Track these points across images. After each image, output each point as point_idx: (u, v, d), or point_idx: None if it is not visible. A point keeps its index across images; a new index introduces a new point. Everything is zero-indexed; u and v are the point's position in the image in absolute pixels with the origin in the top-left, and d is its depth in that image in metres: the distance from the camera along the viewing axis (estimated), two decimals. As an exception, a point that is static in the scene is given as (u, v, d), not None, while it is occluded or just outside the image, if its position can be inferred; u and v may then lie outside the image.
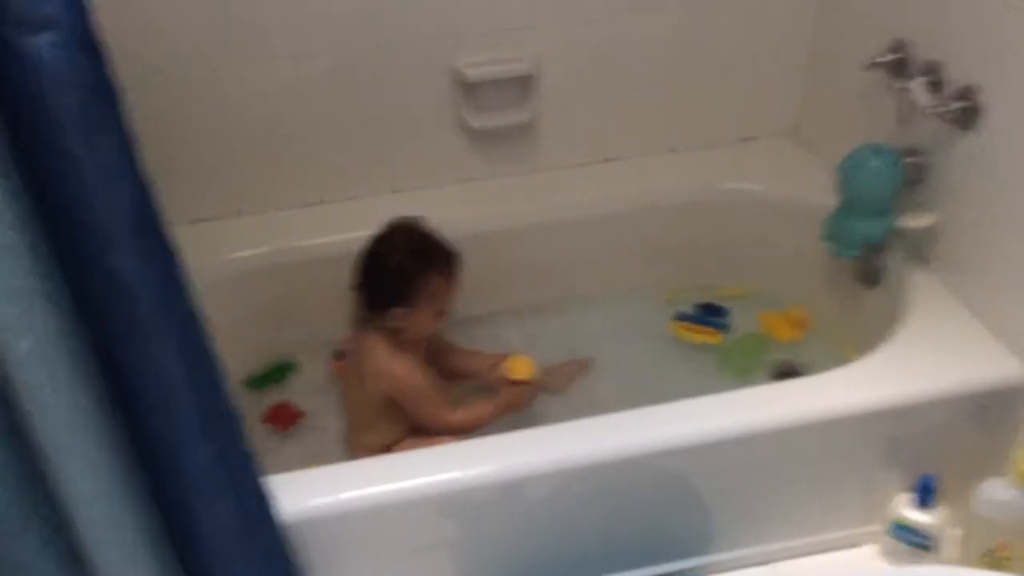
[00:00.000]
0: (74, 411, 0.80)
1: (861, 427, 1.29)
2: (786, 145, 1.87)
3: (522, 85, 1.70)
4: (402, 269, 1.44)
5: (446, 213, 1.57)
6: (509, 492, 1.23)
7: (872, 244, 1.51)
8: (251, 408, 1.67)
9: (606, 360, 1.75)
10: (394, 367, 1.47)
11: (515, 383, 1.56)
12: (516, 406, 1.56)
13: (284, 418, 1.66)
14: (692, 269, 1.85)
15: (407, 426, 1.53)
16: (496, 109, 1.71)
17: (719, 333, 1.78)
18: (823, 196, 1.58)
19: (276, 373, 1.75)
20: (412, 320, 1.46)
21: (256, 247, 1.67)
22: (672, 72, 1.77)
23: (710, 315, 1.82)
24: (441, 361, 1.63)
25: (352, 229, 1.56)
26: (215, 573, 0.99)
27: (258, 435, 1.63)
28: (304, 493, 1.18)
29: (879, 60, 1.48)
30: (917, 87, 1.38)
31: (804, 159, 1.83)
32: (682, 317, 1.81)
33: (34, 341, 0.75)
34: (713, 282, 1.86)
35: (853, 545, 1.40)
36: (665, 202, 1.79)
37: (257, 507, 1.02)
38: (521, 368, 1.57)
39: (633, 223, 1.79)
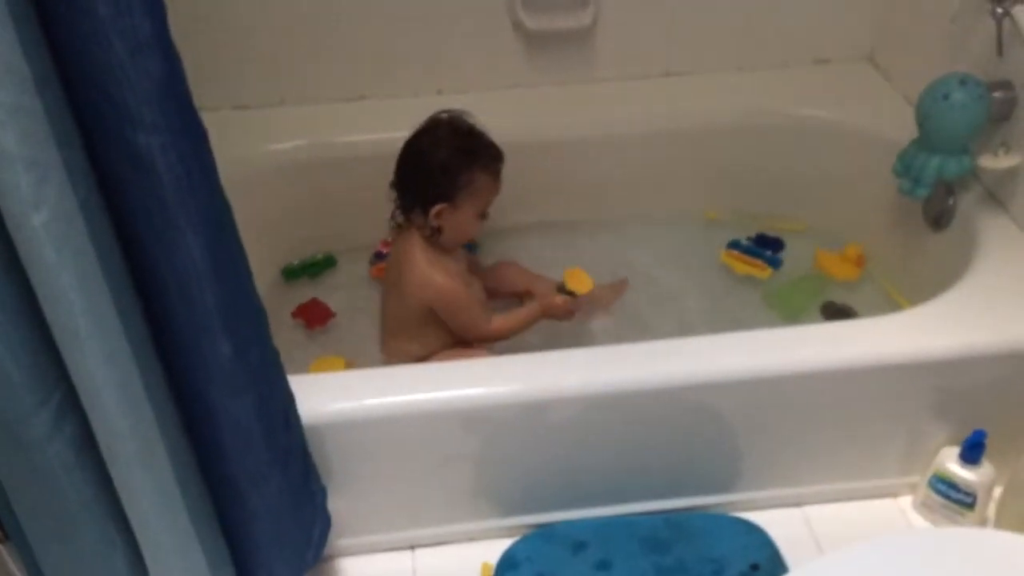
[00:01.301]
0: (90, 293, 0.76)
1: (913, 376, 1.23)
2: (861, 70, 1.77)
3: None
4: (447, 163, 1.39)
5: (491, 118, 1.49)
6: (534, 412, 1.20)
7: (947, 183, 1.42)
8: (284, 301, 1.66)
9: (648, 283, 1.70)
10: (433, 275, 1.43)
11: (567, 293, 1.51)
12: (556, 315, 1.51)
13: (315, 316, 1.65)
14: (749, 196, 1.77)
15: (444, 338, 1.49)
16: (554, 10, 1.63)
17: (768, 267, 1.70)
18: (897, 128, 1.50)
19: (313, 267, 1.73)
20: (454, 219, 1.41)
21: (295, 140, 1.63)
22: None
23: (764, 247, 1.74)
24: (479, 271, 1.60)
25: (392, 128, 1.50)
26: (231, 470, 0.97)
27: (287, 329, 1.62)
28: (328, 396, 1.17)
29: (977, -20, 1.36)
30: (1019, 12, 1.26)
31: (879, 86, 1.73)
32: (733, 245, 1.73)
33: (49, 215, 0.70)
34: (771, 211, 1.77)
35: (890, 495, 1.35)
36: (726, 123, 1.71)
37: (278, 407, 0.99)
38: (580, 280, 1.52)
39: (691, 143, 1.71)
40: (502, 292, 1.62)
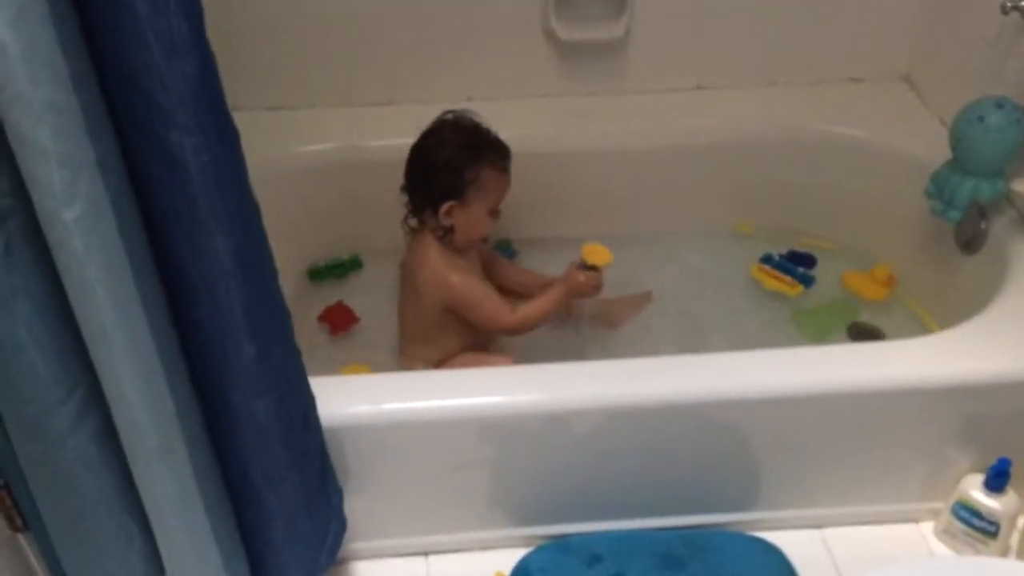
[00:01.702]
0: (117, 289, 0.77)
1: (939, 401, 1.21)
2: (896, 89, 1.75)
3: None
4: (452, 161, 1.39)
5: (520, 127, 1.50)
6: (554, 423, 1.19)
7: (980, 206, 1.40)
8: (309, 302, 1.67)
9: (674, 297, 1.68)
10: (448, 274, 1.43)
11: (588, 268, 1.48)
12: (582, 291, 1.47)
13: (340, 320, 1.65)
14: (779, 212, 1.75)
15: (461, 342, 1.49)
16: (587, 21, 1.62)
17: (799, 285, 1.67)
18: (931, 149, 1.48)
19: (339, 268, 1.74)
20: (464, 217, 1.42)
21: (327, 142, 1.64)
22: None
23: (797, 263, 1.71)
24: (494, 276, 1.59)
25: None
26: (250, 470, 0.98)
27: (311, 332, 1.63)
28: (349, 399, 1.17)
29: (1018, 3, 1.33)
30: (1060, 37, 1.24)
31: (914, 107, 1.71)
32: (766, 260, 1.71)
33: (81, 211, 0.71)
34: (803, 228, 1.75)
35: (911, 520, 1.33)
36: (758, 139, 1.69)
37: (298, 408, 1.00)
38: (599, 254, 1.48)
39: (721, 158, 1.69)
40: (517, 294, 1.62)
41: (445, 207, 1.41)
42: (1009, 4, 1.35)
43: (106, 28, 0.71)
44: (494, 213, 1.44)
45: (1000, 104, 1.32)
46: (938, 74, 1.68)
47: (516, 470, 1.24)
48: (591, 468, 1.25)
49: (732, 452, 1.25)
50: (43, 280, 0.75)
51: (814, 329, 1.61)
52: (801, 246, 1.75)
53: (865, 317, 1.63)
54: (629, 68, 1.70)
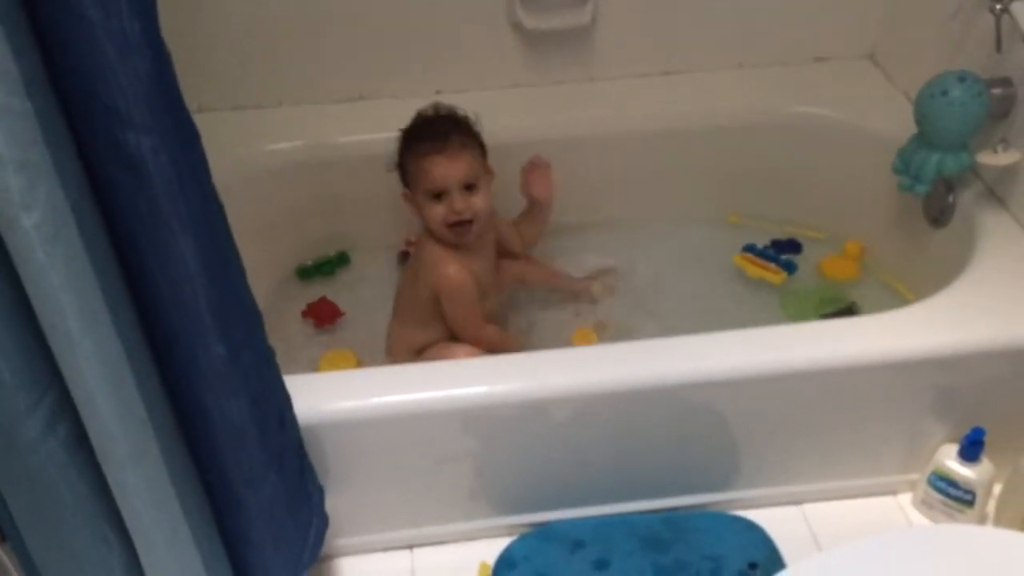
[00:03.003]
0: (82, 294, 0.76)
1: (912, 373, 1.22)
2: (861, 67, 1.76)
3: None
4: (398, 154, 1.44)
5: (491, 118, 1.49)
6: (532, 411, 1.20)
7: (946, 180, 1.42)
8: (297, 300, 1.68)
9: (654, 286, 1.69)
10: (447, 263, 1.44)
11: None
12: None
13: (324, 314, 1.66)
14: (753, 196, 1.76)
15: (446, 331, 1.50)
16: (552, 9, 1.62)
17: (782, 272, 1.67)
18: (897, 125, 1.49)
19: (326, 265, 1.74)
20: (417, 206, 1.44)
21: (294, 140, 1.63)
22: None
23: (783, 250, 1.72)
24: (516, 267, 1.61)
25: (391, 128, 1.50)
26: (228, 472, 0.97)
27: (296, 327, 1.64)
28: (325, 396, 1.17)
29: (978, -24, 1.35)
30: (1018, 9, 1.25)
31: (880, 84, 1.72)
32: (748, 249, 1.71)
33: (41, 217, 0.70)
34: (780, 213, 1.76)
35: (889, 492, 1.35)
36: (727, 122, 1.70)
37: (273, 407, 0.99)
38: (585, 337, 1.57)
39: (692, 142, 1.70)
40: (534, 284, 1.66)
41: (401, 196, 1.46)
42: (968, -22, 1.36)
43: (58, 31, 0.70)
44: (439, 197, 1.40)
45: (962, 78, 1.32)
46: (902, 51, 1.69)
47: (496, 459, 1.24)
48: (571, 454, 1.25)
49: (710, 433, 1.26)
50: (6, 288, 0.74)
51: (798, 312, 1.61)
52: (785, 235, 1.75)
53: (851, 298, 1.63)
54: (596, 55, 1.70)
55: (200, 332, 0.87)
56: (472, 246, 1.46)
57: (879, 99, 1.68)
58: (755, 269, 1.68)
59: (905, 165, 1.43)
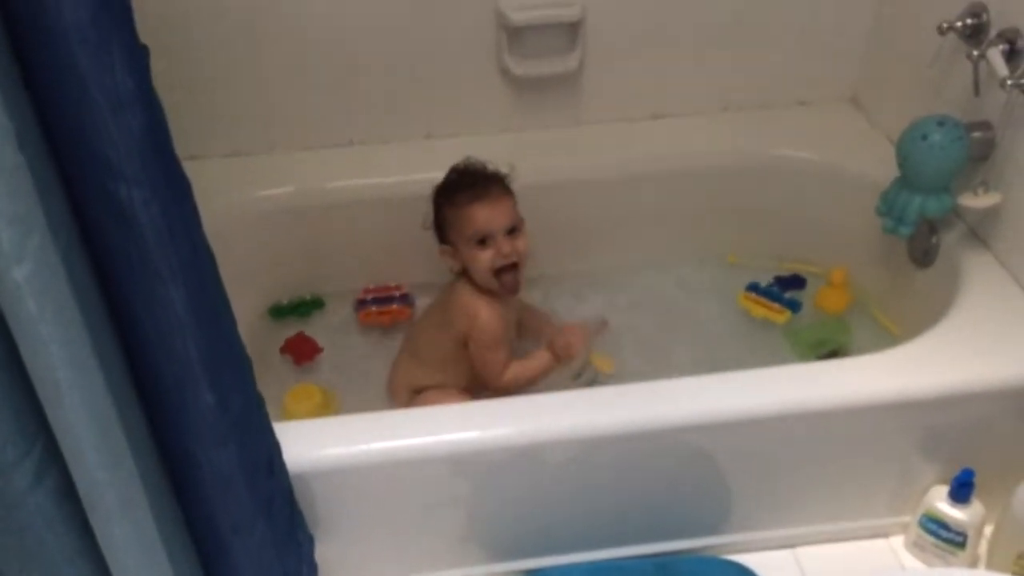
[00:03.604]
0: (73, 345, 0.76)
1: (900, 414, 1.22)
2: (844, 111, 1.78)
3: (569, 32, 1.63)
4: (433, 208, 1.46)
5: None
6: (525, 456, 1.19)
7: (930, 222, 1.43)
8: (272, 339, 1.68)
9: (656, 333, 1.68)
10: (480, 307, 1.46)
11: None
12: (568, 354, 1.51)
13: (302, 350, 1.66)
14: (746, 235, 1.77)
15: (459, 379, 1.52)
16: (540, 56, 1.64)
17: (786, 310, 1.67)
18: (879, 168, 1.51)
19: (301, 307, 1.74)
20: (459, 258, 1.45)
21: (286, 185, 1.64)
22: (727, 27, 1.68)
23: (787, 287, 1.72)
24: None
25: (380, 174, 1.53)
26: (217, 520, 0.97)
27: (275, 365, 1.64)
28: (315, 443, 1.16)
29: (954, 24, 1.38)
30: (994, 55, 1.28)
31: (862, 127, 1.74)
32: (752, 288, 1.72)
33: (32, 269, 0.71)
34: (776, 250, 1.77)
35: (881, 535, 1.34)
36: (713, 165, 1.72)
37: (262, 455, 0.99)
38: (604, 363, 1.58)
39: (680, 184, 1.72)
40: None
41: (440, 250, 1.47)
42: (945, 25, 1.39)
43: (51, 86, 0.71)
44: (485, 242, 1.42)
45: (941, 122, 1.35)
46: (883, 94, 1.71)
47: (488, 505, 1.24)
48: (563, 500, 1.25)
49: (701, 476, 1.26)
50: (-5, 339, 0.75)
51: (803, 352, 1.62)
52: (786, 271, 1.76)
53: (851, 331, 1.63)
54: (585, 100, 1.72)
55: (190, 381, 0.87)
56: (508, 301, 1.49)
57: (861, 142, 1.69)
58: (759, 309, 1.68)
59: (888, 207, 1.44)
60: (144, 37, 0.71)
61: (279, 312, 1.73)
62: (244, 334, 1.57)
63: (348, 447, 1.16)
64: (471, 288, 1.47)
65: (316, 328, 1.71)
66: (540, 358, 1.51)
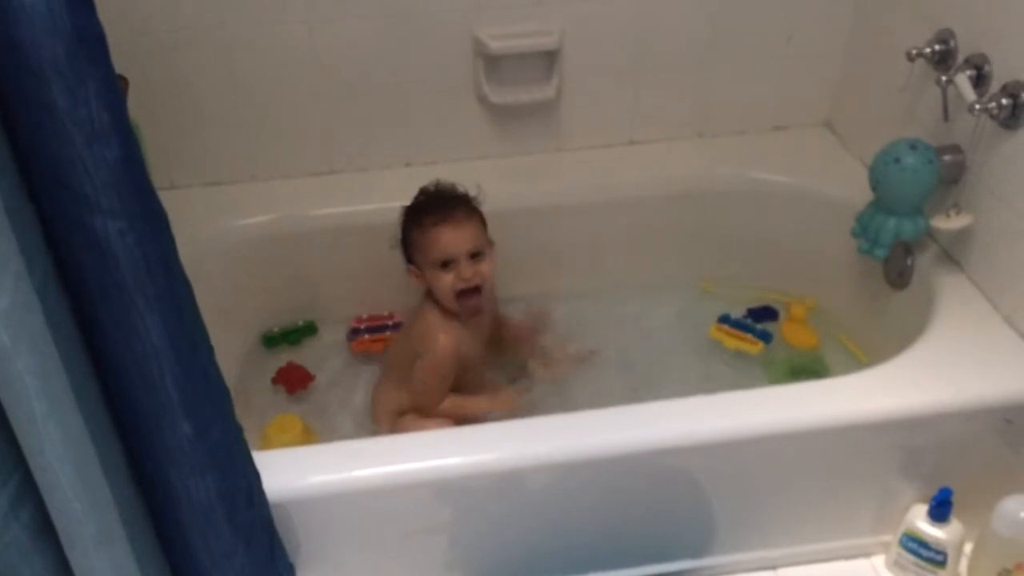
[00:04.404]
0: (48, 377, 0.76)
1: (878, 435, 1.23)
2: (818, 136, 1.81)
3: (546, 60, 1.65)
4: (400, 230, 1.48)
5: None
6: (507, 482, 1.19)
7: (903, 244, 1.45)
8: (264, 367, 1.68)
9: (631, 360, 1.69)
10: (437, 332, 1.47)
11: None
12: (507, 407, 1.53)
13: (294, 379, 1.66)
14: (721, 261, 1.79)
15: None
16: (518, 84, 1.66)
17: (759, 342, 1.68)
18: (854, 191, 1.53)
19: (293, 334, 1.74)
20: (425, 278, 1.46)
21: (267, 214, 1.64)
22: (703, 54, 1.70)
23: (759, 318, 1.73)
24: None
25: (361, 201, 1.53)
26: (195, 551, 0.96)
27: (268, 394, 1.64)
28: (295, 471, 1.15)
29: (923, 50, 1.41)
30: (962, 81, 1.31)
31: (836, 151, 1.76)
32: (724, 320, 1.73)
33: (7, 303, 0.71)
34: (749, 278, 1.78)
35: (862, 555, 1.35)
36: (690, 189, 1.73)
37: (241, 484, 0.99)
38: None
39: (656, 210, 1.73)
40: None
41: (406, 270, 1.48)
42: (915, 51, 1.42)
43: (26, 118, 0.72)
44: (447, 265, 1.43)
45: (913, 145, 1.37)
46: (856, 119, 1.74)
47: (471, 530, 1.23)
48: (546, 524, 1.24)
49: (682, 499, 1.26)
50: (-32, 373, 0.74)
51: (779, 378, 1.62)
52: (758, 301, 1.77)
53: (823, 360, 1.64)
54: (562, 128, 1.74)
55: (166, 410, 0.87)
56: (473, 322, 1.50)
57: (836, 165, 1.72)
58: (732, 340, 1.69)
59: (863, 229, 1.46)
60: (123, 68, 0.72)
61: (271, 340, 1.73)
62: (236, 364, 1.64)
63: (328, 475, 1.15)
64: (437, 311, 1.48)
65: (308, 356, 1.71)
66: (479, 404, 1.52)
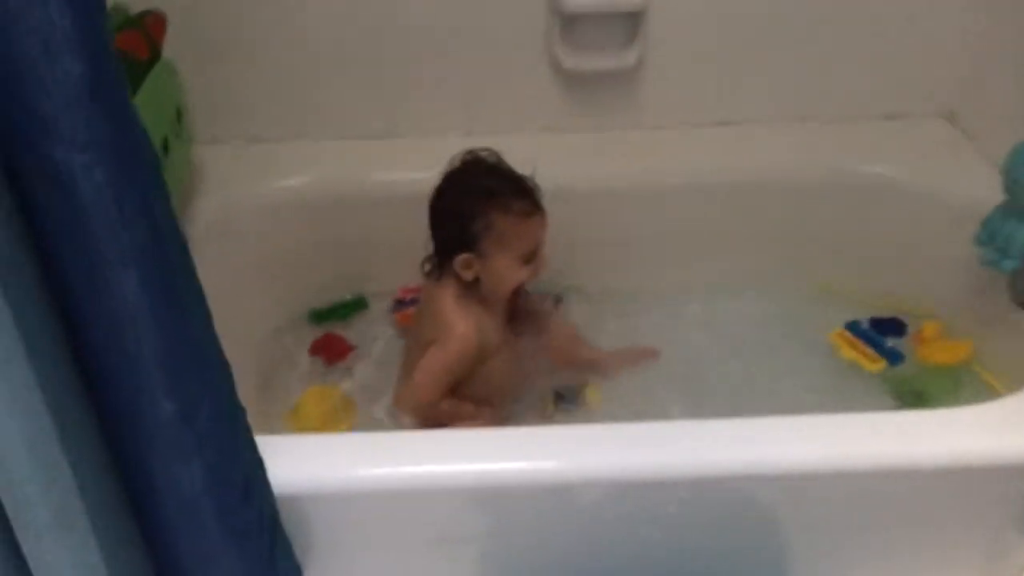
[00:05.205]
0: (11, 340, 0.65)
1: (995, 478, 1.06)
2: (937, 128, 1.64)
3: (629, 23, 1.52)
4: (459, 210, 1.30)
5: (522, 164, 1.37)
6: (555, 494, 1.07)
7: (1038, 256, 1.27)
8: (305, 338, 1.60)
9: (725, 366, 1.53)
10: (457, 322, 1.33)
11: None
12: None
13: (332, 350, 1.58)
14: (817, 263, 1.62)
15: (457, 392, 1.38)
16: (595, 49, 1.54)
17: (882, 359, 1.49)
18: (979, 192, 1.38)
19: (342, 309, 1.65)
20: (486, 269, 1.31)
21: (312, 176, 1.56)
22: (811, 27, 1.55)
23: (887, 332, 1.55)
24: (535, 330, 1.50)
25: (416, 169, 1.42)
26: (177, 548, 0.85)
27: (307, 367, 1.56)
28: (312, 462, 1.04)
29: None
30: None
31: (960, 146, 1.60)
32: (850, 326, 1.55)
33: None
34: (858, 283, 1.61)
35: (963, 616, 1.16)
36: (787, 179, 1.58)
37: (236, 475, 0.87)
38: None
39: (749, 199, 1.59)
40: (560, 362, 1.51)
41: (460, 259, 1.31)
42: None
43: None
44: (527, 259, 1.31)
45: (1056, 142, 1.19)
46: (986, 110, 1.58)
47: (505, 544, 1.12)
48: (590, 548, 1.13)
49: (756, 532, 1.12)
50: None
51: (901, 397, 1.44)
52: (887, 311, 1.58)
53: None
54: (643, 101, 1.61)
55: (145, 384, 0.75)
56: (488, 300, 1.37)
57: (959, 162, 1.56)
58: (849, 350, 1.51)
59: (991, 237, 1.30)
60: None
61: (319, 316, 1.64)
62: (278, 335, 1.56)
63: (350, 469, 1.04)
64: (452, 296, 1.35)
65: (352, 329, 1.63)
66: (466, 415, 1.37)
